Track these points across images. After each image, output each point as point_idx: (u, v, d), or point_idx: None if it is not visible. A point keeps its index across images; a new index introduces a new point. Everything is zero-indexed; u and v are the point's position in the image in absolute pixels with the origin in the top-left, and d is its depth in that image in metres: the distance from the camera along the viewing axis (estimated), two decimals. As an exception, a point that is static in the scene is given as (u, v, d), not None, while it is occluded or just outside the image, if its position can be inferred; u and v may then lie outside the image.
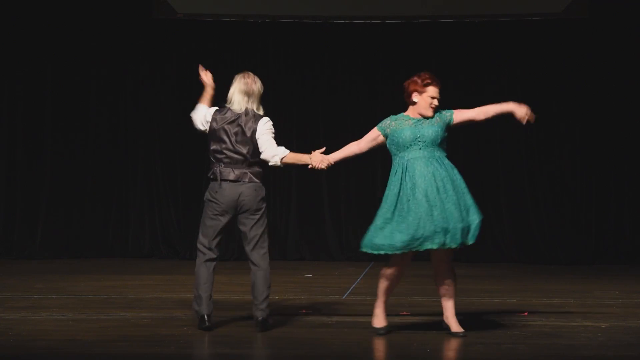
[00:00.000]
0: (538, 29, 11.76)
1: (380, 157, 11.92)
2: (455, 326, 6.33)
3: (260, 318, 6.43)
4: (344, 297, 8.26)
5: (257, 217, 6.53)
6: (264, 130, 6.53)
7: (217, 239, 6.55)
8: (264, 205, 6.57)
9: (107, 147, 12.02)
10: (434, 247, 6.14)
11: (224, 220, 6.53)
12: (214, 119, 6.55)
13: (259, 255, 6.53)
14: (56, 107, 11.94)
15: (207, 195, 6.55)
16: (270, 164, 6.57)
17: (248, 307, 7.01)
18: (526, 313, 7.18)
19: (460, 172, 6.35)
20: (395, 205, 6.24)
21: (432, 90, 6.37)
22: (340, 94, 12.08)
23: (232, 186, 6.48)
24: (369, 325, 6.57)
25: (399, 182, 6.27)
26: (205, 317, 6.43)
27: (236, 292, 8.43)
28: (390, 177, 6.36)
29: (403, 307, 7.49)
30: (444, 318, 6.41)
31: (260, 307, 6.44)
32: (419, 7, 11.63)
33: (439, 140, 6.33)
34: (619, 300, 8.09)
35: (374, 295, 8.32)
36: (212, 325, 6.42)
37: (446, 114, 6.42)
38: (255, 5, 11.79)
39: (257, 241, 6.55)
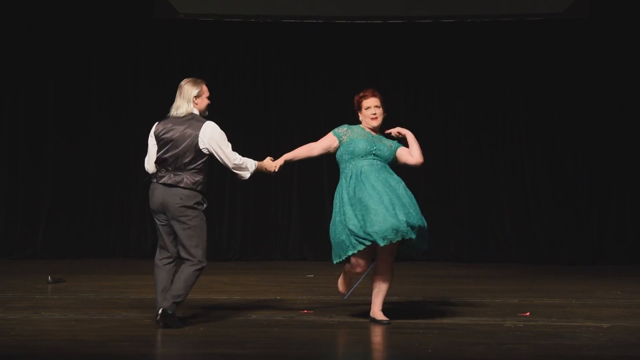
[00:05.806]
0: (539, 29, 11.76)
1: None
2: (380, 315, 6.72)
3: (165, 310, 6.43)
4: (345, 297, 8.25)
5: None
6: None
7: None
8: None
9: (108, 147, 12.01)
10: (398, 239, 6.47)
11: None
12: None
13: None
14: (57, 108, 11.94)
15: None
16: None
17: (249, 307, 7.03)
18: (528, 313, 7.18)
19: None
20: (352, 205, 6.63)
21: (366, 103, 6.76)
22: (342, 94, 12.05)
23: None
24: (370, 325, 6.58)
25: (354, 185, 6.67)
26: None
27: (237, 292, 8.43)
28: (343, 181, 6.78)
29: (405, 307, 7.49)
30: (371, 313, 6.77)
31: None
32: (420, 7, 11.63)
33: (390, 161, 6.81)
34: (621, 301, 8.09)
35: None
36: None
37: (395, 146, 6.84)
38: (256, 6, 11.79)
39: None
